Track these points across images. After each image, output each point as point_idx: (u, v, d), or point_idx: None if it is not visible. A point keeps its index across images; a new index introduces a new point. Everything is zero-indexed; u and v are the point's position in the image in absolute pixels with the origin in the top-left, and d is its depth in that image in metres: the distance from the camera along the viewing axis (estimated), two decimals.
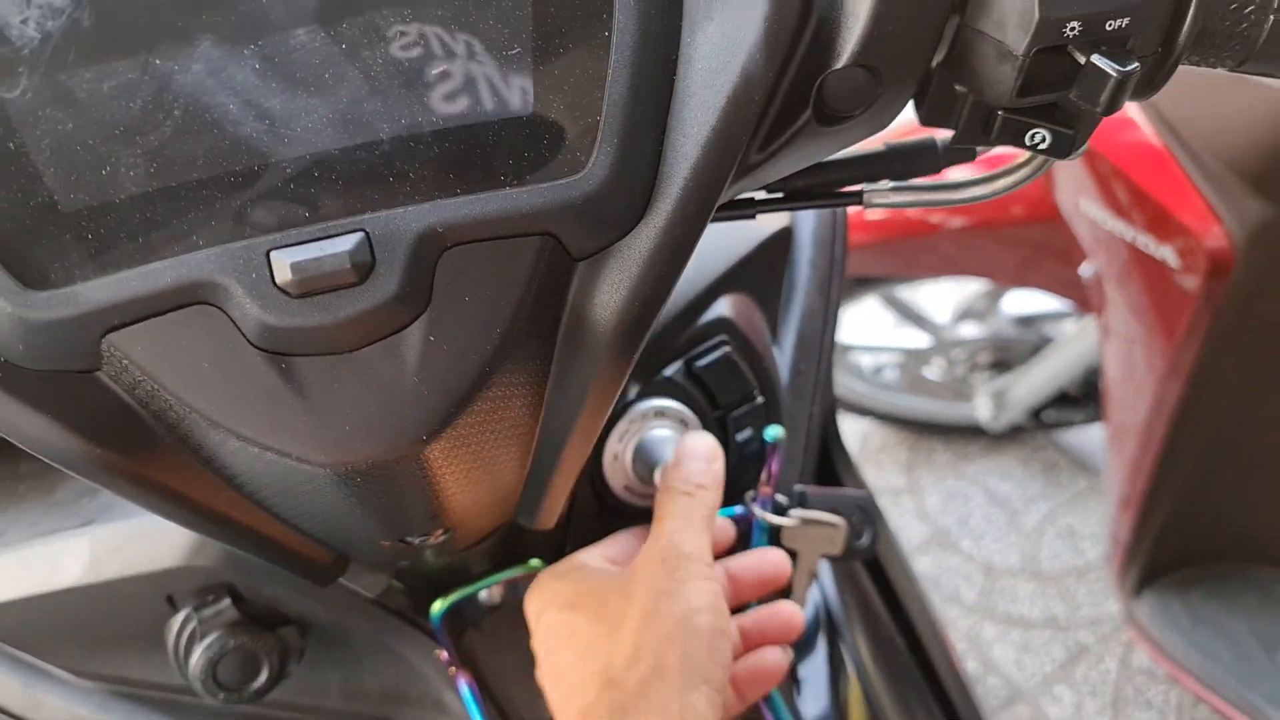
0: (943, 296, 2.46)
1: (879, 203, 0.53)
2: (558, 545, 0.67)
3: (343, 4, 0.36)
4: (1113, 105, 0.40)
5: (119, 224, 0.35)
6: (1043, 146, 0.43)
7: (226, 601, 0.63)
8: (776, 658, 0.64)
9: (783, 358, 0.78)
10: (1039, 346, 2.21)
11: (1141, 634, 1.65)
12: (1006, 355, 2.26)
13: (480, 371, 0.39)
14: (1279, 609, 1.59)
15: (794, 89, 0.41)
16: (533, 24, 0.37)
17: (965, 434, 2.49)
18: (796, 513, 0.69)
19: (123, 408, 0.38)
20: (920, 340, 2.42)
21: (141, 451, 0.40)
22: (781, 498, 0.70)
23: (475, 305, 0.38)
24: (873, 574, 0.91)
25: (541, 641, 0.59)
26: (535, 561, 0.66)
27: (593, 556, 0.62)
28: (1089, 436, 2.51)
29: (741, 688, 0.63)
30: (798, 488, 0.71)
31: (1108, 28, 0.39)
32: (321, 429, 0.38)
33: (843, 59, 0.40)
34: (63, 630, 0.65)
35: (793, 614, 0.65)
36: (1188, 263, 1.27)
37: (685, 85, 0.39)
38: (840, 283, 0.83)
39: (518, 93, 0.37)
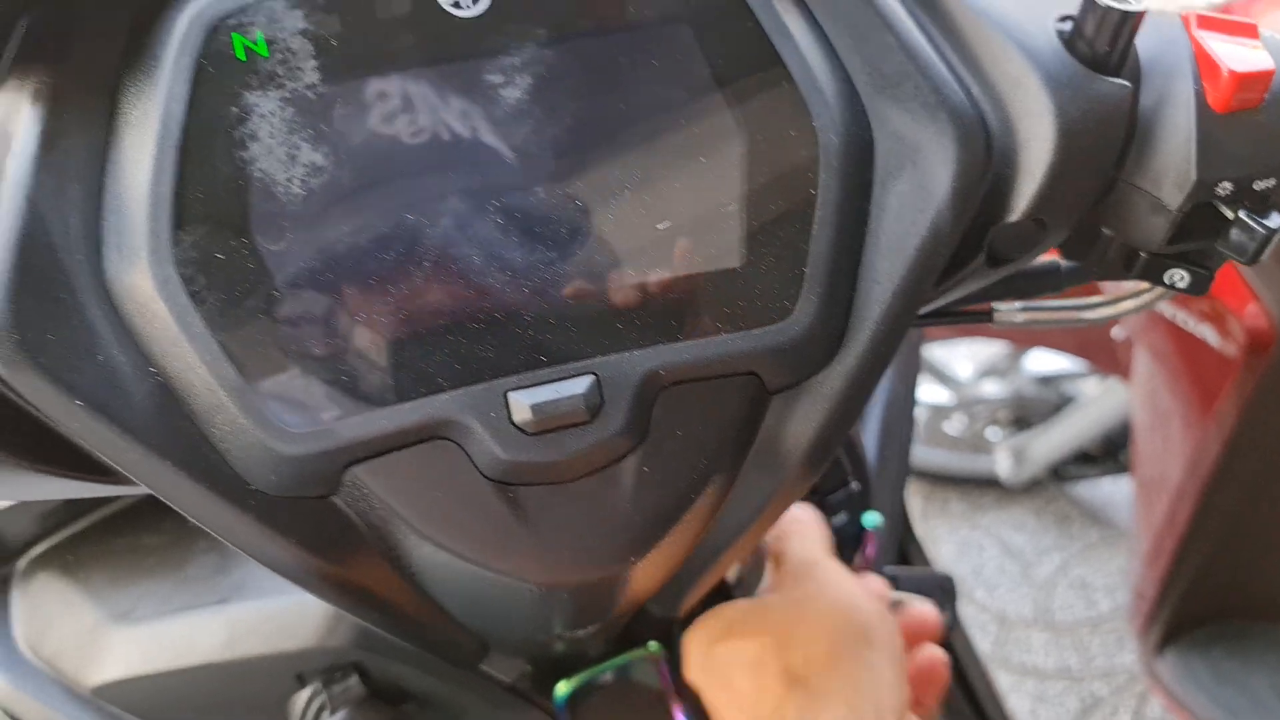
0: (966, 354, 2.51)
1: (1007, 321, 0.56)
2: (668, 627, 0.70)
3: (578, 165, 0.39)
4: (1257, 257, 0.43)
5: (371, 367, 0.38)
6: (1180, 285, 0.47)
7: (354, 679, 0.65)
8: (935, 654, 0.67)
9: (869, 442, 0.81)
10: (1059, 405, 2.25)
11: (1163, 688, 1.68)
12: (1027, 412, 2.30)
13: (686, 497, 0.42)
14: None
15: (968, 238, 0.44)
16: (745, 185, 0.41)
17: (979, 485, 2.53)
18: (892, 596, 0.72)
19: (346, 527, 0.41)
20: (942, 396, 2.47)
21: (349, 561, 0.43)
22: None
23: (685, 438, 0.41)
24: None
25: (712, 673, 0.62)
26: (654, 644, 0.69)
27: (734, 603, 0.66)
28: (1101, 490, 2.55)
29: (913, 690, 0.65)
30: (888, 570, 0.74)
31: (1255, 187, 0.43)
32: (542, 552, 0.41)
33: (1017, 213, 0.43)
34: (188, 702, 0.68)
35: (926, 610, 0.68)
36: (1226, 339, 1.31)
37: (876, 236, 0.42)
38: (918, 369, 0.86)
39: (731, 246, 0.41)
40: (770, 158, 0.41)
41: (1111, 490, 2.52)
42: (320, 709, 0.65)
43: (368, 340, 0.38)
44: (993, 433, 2.41)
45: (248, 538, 0.40)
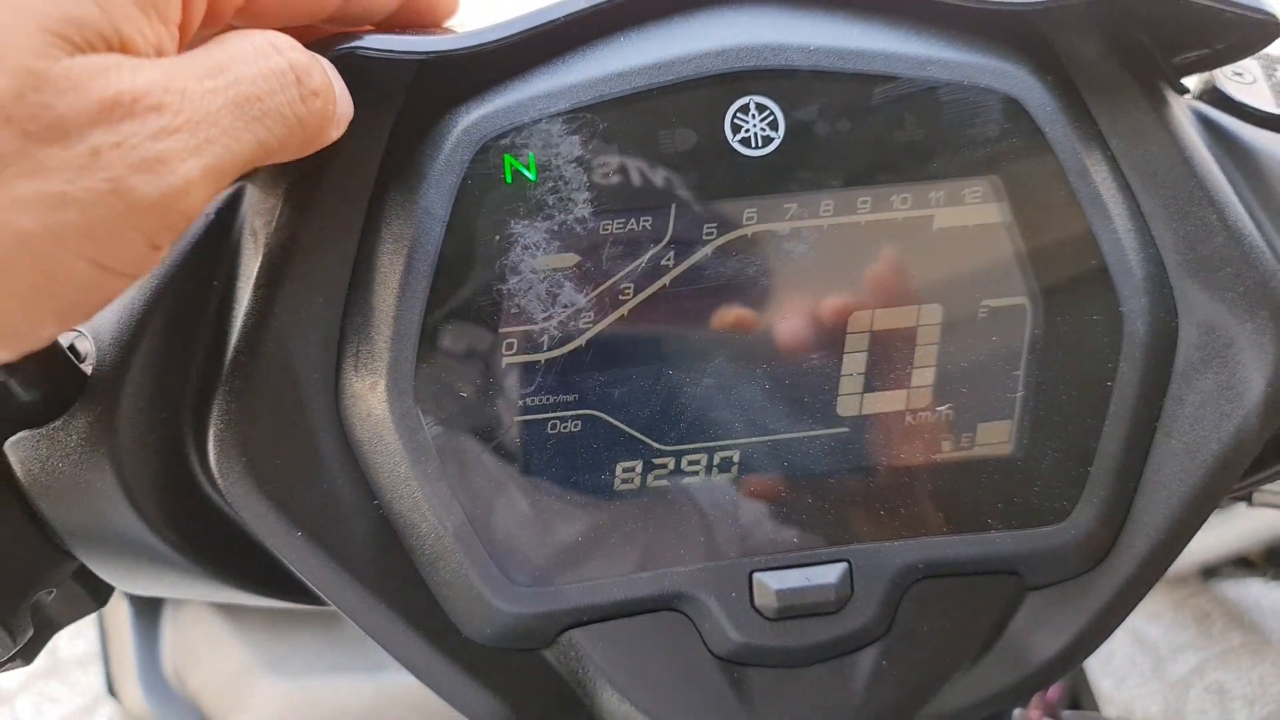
0: None
1: (1266, 502, 0.51)
2: None
3: (856, 330, 0.36)
4: None
5: (609, 530, 0.35)
6: None
7: None
8: None
9: None
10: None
11: None
12: None
13: (922, 696, 0.38)
14: None
15: (1270, 444, 0.39)
16: (1034, 368, 0.36)
17: None
18: None
19: (551, 681, 0.38)
20: None
21: (551, 717, 0.40)
22: None
23: (930, 633, 0.37)
24: None
25: None
26: None
27: None
28: (1249, 592, 2.40)
29: None
30: (1067, 715, 0.69)
31: None
32: None
33: None
34: None
35: None
36: None
37: (1169, 434, 0.37)
38: None
39: (1012, 435, 0.36)
40: (1065, 340, 0.37)
41: (1259, 594, 2.38)
42: None
43: (611, 502, 0.35)
44: None
45: (451, 686, 0.38)
